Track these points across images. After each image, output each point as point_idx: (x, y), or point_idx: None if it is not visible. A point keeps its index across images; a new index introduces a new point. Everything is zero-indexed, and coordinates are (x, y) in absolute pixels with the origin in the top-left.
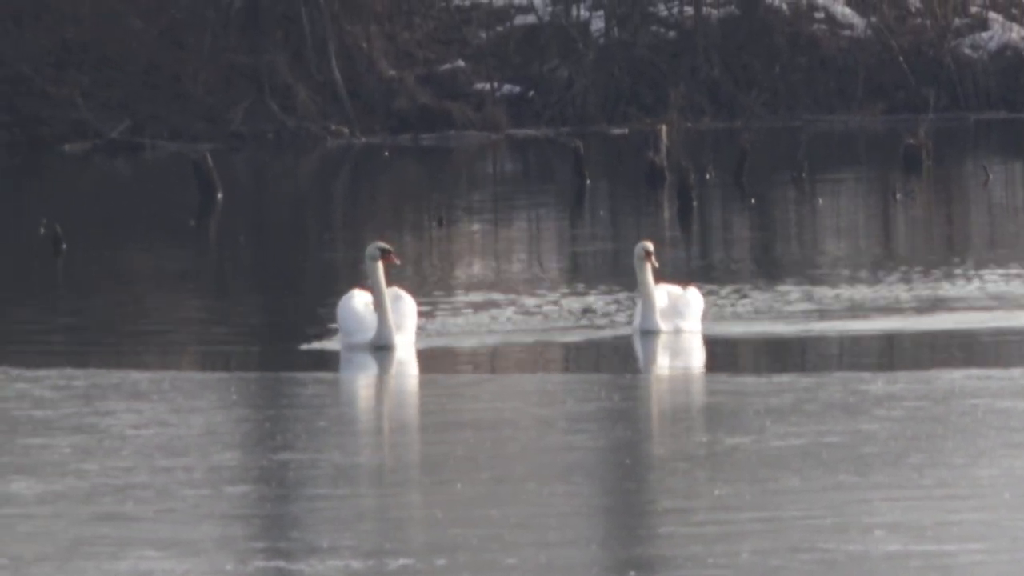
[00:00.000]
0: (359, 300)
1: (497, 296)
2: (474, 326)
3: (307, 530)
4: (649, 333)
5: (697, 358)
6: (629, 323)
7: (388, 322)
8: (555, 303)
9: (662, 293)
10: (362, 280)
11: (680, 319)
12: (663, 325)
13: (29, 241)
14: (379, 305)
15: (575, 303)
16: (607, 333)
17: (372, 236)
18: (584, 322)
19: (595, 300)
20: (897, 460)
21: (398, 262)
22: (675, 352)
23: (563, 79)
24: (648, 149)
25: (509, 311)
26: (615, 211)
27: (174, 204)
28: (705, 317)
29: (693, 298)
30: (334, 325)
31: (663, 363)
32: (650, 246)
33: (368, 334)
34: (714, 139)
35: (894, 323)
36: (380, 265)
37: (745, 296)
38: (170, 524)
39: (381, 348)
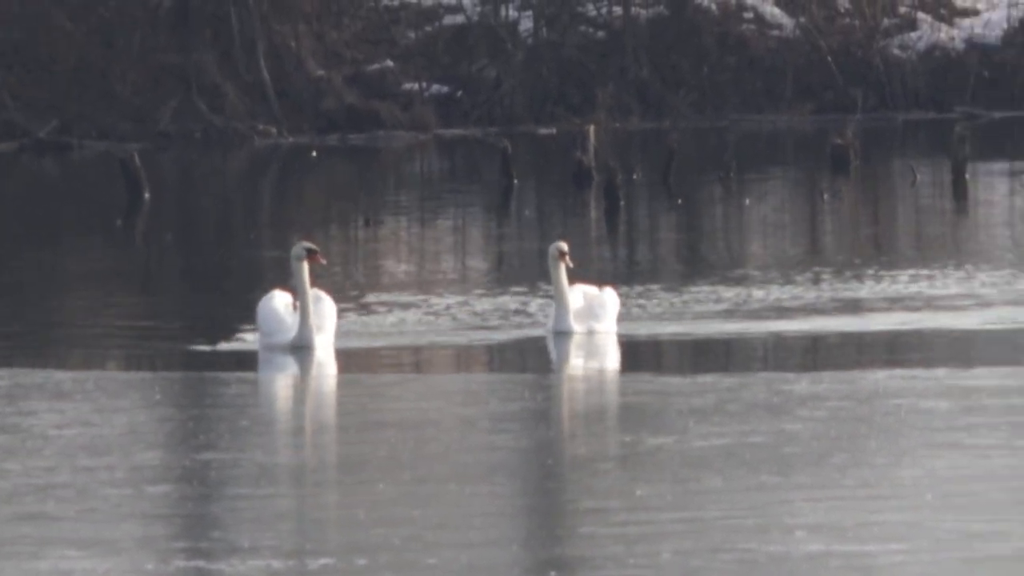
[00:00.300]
0: (279, 300)
1: (421, 296)
2: (397, 326)
3: (228, 530)
4: (562, 334)
5: (616, 359)
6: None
7: (309, 323)
8: (479, 303)
9: (578, 294)
10: (288, 280)
11: (594, 320)
12: (576, 326)
13: None
14: (302, 305)
15: (499, 303)
16: (531, 333)
17: (299, 235)
18: (508, 322)
19: (520, 300)
20: (820, 460)
21: (324, 262)
22: (594, 353)
23: (491, 79)
24: (576, 149)
25: (433, 311)
26: (542, 211)
27: (101, 203)
28: (627, 317)
29: (609, 299)
30: (255, 326)
31: (585, 364)
32: (564, 246)
33: (288, 335)
34: (642, 139)
35: (818, 323)
36: (305, 265)
37: (670, 296)
38: (91, 524)
39: (301, 348)
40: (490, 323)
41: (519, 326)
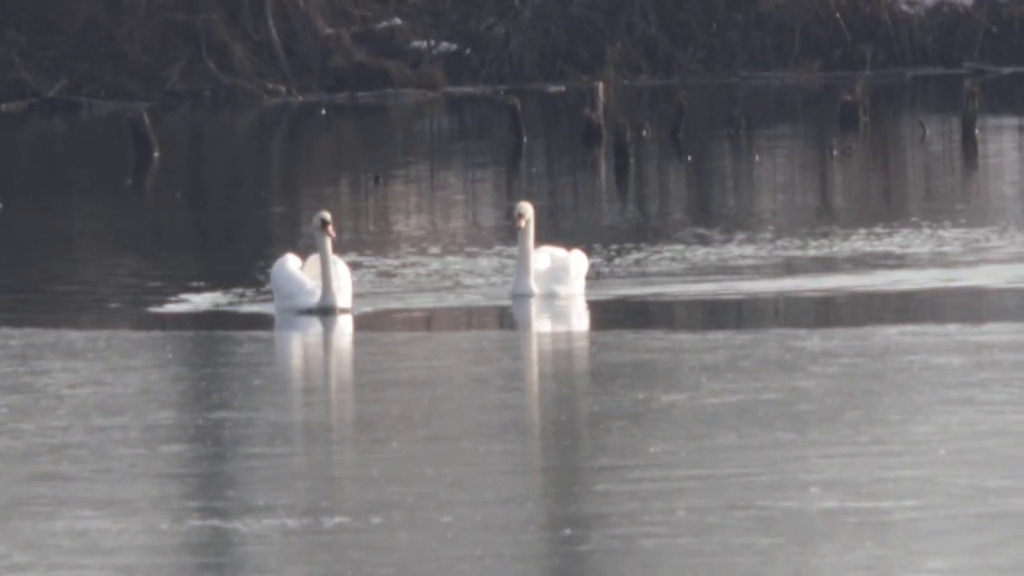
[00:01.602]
0: (293, 263)
1: (431, 254)
2: (407, 284)
3: (243, 489)
4: (521, 297)
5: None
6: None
7: (332, 285)
8: (488, 261)
9: (544, 256)
10: (299, 240)
11: (556, 283)
12: (536, 289)
13: None
14: (324, 269)
15: (509, 262)
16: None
17: (309, 194)
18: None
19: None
20: (833, 417)
21: (333, 235)
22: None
23: (500, 36)
24: (585, 106)
25: (442, 269)
26: (552, 168)
27: (111, 163)
28: (636, 274)
29: (575, 261)
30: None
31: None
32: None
33: (310, 297)
34: (651, 96)
35: (829, 279)
36: (326, 234)
37: (680, 253)
38: (106, 483)
39: (326, 310)
40: (500, 281)
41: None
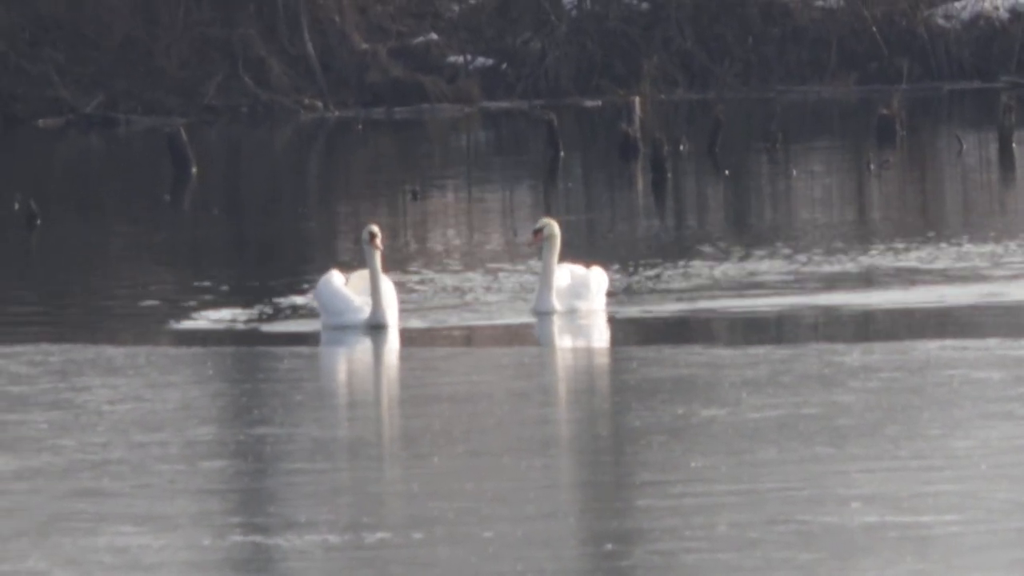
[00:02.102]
0: (338, 279)
1: (470, 269)
2: (447, 299)
3: (284, 505)
4: (544, 314)
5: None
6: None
7: (382, 302)
8: (526, 277)
9: (564, 273)
10: (336, 255)
11: (578, 299)
12: (558, 306)
13: (3, 216)
14: (373, 285)
15: (589, 273)
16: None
17: (346, 210)
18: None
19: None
20: (873, 431)
21: (380, 248)
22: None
23: (536, 51)
24: (621, 121)
25: (481, 284)
26: (589, 183)
27: (148, 178)
28: (674, 290)
29: (595, 278)
30: (310, 300)
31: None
32: (375, 229)
33: (358, 314)
34: (687, 110)
35: (868, 294)
36: (374, 248)
37: (719, 268)
38: (146, 499)
39: (376, 327)
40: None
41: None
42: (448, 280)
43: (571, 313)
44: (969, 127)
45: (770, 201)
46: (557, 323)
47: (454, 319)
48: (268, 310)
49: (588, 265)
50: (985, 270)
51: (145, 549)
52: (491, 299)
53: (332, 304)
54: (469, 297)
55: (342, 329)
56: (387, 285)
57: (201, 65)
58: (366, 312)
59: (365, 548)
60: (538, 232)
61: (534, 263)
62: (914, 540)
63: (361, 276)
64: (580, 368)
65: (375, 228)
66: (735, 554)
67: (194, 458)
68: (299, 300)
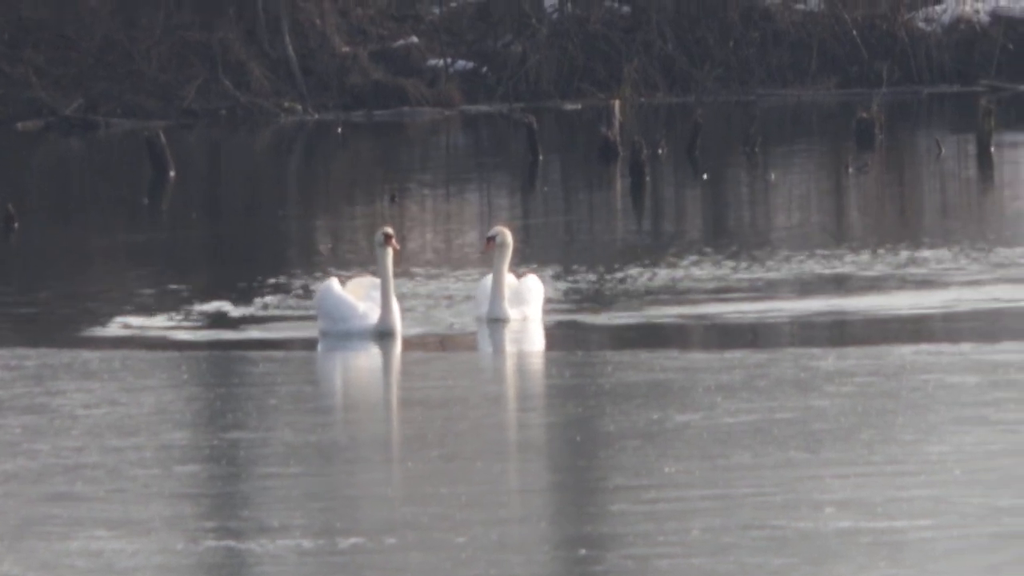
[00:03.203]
0: (338, 287)
1: (447, 272)
2: (422, 302)
3: (258, 509)
4: (496, 321)
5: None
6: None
7: (392, 308)
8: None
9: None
10: (315, 257)
11: (525, 305)
12: (512, 313)
13: None
14: (384, 291)
15: (526, 282)
16: (554, 310)
17: (325, 212)
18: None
19: (543, 278)
20: (848, 436)
21: (397, 248)
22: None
23: (517, 55)
24: (601, 124)
25: (459, 288)
26: (568, 186)
27: (127, 182)
28: (651, 294)
29: (533, 287)
30: (285, 303)
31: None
32: (389, 230)
33: (363, 321)
34: (667, 114)
35: (844, 299)
36: (389, 251)
37: (696, 272)
38: (121, 504)
39: (384, 334)
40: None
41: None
42: (423, 285)
43: (521, 321)
44: (948, 131)
45: (748, 205)
46: (517, 329)
47: (428, 324)
48: (245, 313)
49: (520, 276)
50: (961, 274)
51: (119, 553)
52: (464, 305)
53: (336, 311)
54: (442, 302)
55: (347, 336)
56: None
57: (181, 68)
58: (371, 319)
59: (338, 553)
60: (491, 240)
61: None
62: (888, 545)
63: (359, 284)
64: (553, 373)
65: (389, 229)
66: (709, 559)
67: (168, 462)
68: (276, 303)
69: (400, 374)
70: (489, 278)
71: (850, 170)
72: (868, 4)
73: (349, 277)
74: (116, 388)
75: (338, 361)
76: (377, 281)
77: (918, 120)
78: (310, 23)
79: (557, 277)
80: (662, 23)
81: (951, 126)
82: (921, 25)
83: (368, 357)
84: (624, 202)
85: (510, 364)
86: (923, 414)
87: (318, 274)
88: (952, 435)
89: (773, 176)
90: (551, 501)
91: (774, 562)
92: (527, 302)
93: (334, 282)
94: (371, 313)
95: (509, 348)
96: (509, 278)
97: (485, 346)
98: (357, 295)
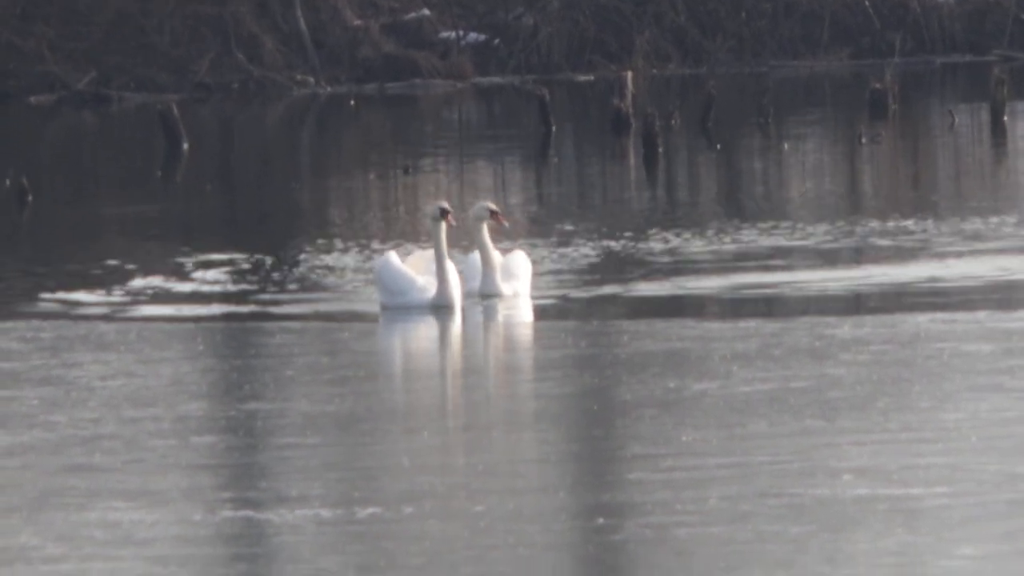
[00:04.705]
0: (397, 261)
1: (457, 243)
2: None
3: (276, 479)
4: (491, 296)
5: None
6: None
7: (449, 281)
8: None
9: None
10: (330, 228)
11: (516, 280)
12: (505, 288)
13: None
14: (440, 265)
15: (537, 253)
16: (566, 279)
17: (338, 185)
18: (546, 268)
19: (557, 249)
20: (864, 404)
21: (453, 223)
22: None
23: (528, 27)
24: (614, 96)
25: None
26: (580, 158)
27: (140, 155)
28: (668, 265)
29: (522, 261)
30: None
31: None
32: (493, 206)
33: (422, 294)
34: (680, 85)
35: (859, 268)
36: (442, 225)
37: (710, 243)
38: (138, 475)
39: (442, 308)
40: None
41: (558, 273)
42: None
43: (515, 296)
44: (961, 101)
45: (762, 175)
46: (516, 304)
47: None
48: (261, 284)
49: (506, 252)
50: (975, 243)
51: (137, 524)
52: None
53: (395, 284)
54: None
55: (405, 309)
56: (451, 265)
57: (193, 42)
58: (430, 293)
59: (356, 523)
60: (496, 214)
61: (526, 240)
62: (904, 512)
63: (419, 257)
64: (570, 342)
65: (446, 204)
66: (726, 527)
67: (185, 433)
68: (290, 274)
69: (416, 343)
70: (476, 254)
71: (863, 140)
72: None
73: (377, 250)
74: (133, 360)
75: (352, 331)
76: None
77: (931, 90)
78: None
79: (570, 248)
80: None
81: (964, 96)
82: None
83: (383, 328)
84: (637, 173)
85: (524, 334)
86: (939, 382)
87: (330, 244)
88: (968, 402)
89: (786, 147)
90: (568, 470)
91: (791, 530)
92: (516, 277)
93: (392, 255)
94: (430, 287)
95: (521, 319)
96: (495, 254)
97: (495, 317)
98: (417, 269)
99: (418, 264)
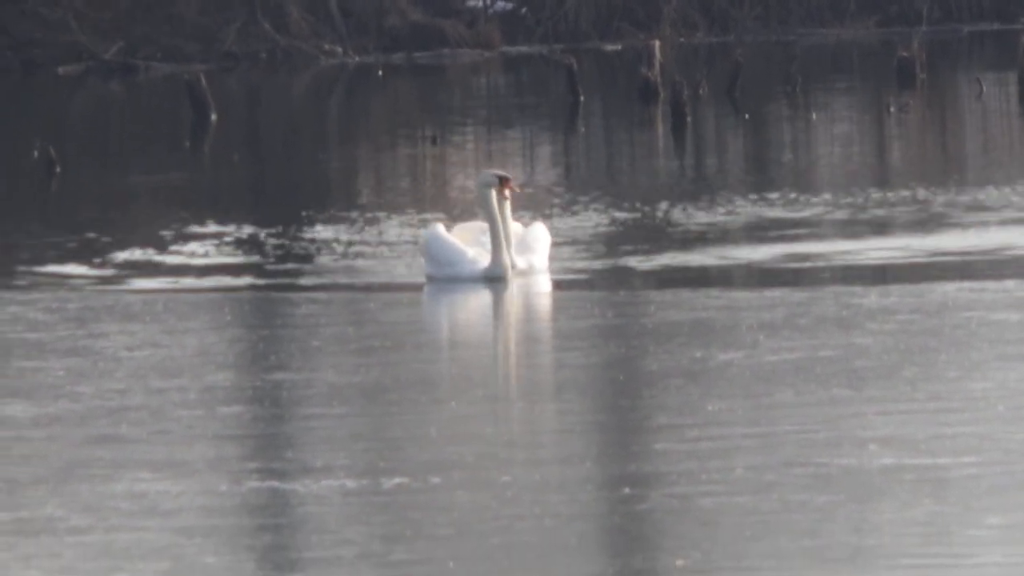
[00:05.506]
0: (444, 232)
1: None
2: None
3: (302, 450)
4: (498, 277)
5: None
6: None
7: (503, 252)
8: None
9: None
10: (357, 198)
11: (531, 254)
12: (519, 262)
13: (22, 164)
14: (494, 234)
15: (567, 222)
16: (604, 252)
17: (366, 155)
18: (574, 238)
19: (586, 218)
20: (891, 374)
21: (517, 190)
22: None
23: None
24: (641, 65)
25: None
26: (608, 128)
27: (168, 125)
28: (695, 235)
29: (541, 235)
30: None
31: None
32: (502, 172)
33: (473, 266)
34: (707, 54)
35: (887, 236)
36: (494, 193)
37: (738, 212)
38: (164, 445)
39: (495, 279)
40: (556, 240)
41: (584, 242)
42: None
43: (527, 273)
44: (989, 69)
45: (790, 144)
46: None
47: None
48: (288, 254)
49: (526, 224)
50: (1003, 212)
51: (163, 495)
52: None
53: (445, 255)
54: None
55: (455, 281)
56: (508, 233)
57: (220, 11)
58: (481, 264)
59: (383, 493)
60: (505, 180)
61: (565, 206)
62: (932, 482)
63: (465, 228)
64: (596, 312)
65: (501, 171)
66: (752, 497)
67: (212, 404)
68: (317, 244)
69: (442, 314)
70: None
71: (891, 109)
72: None
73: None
74: (159, 330)
75: (379, 302)
76: (484, 226)
77: (958, 59)
78: None
79: (596, 217)
80: None
81: (992, 64)
82: None
83: (409, 298)
84: (665, 142)
85: (550, 304)
86: (966, 351)
87: (359, 215)
88: (996, 372)
89: (814, 116)
90: (594, 440)
91: (818, 499)
92: (533, 251)
93: (440, 227)
94: (480, 258)
95: (547, 288)
96: (516, 226)
97: (522, 288)
98: (464, 240)
99: (464, 235)
